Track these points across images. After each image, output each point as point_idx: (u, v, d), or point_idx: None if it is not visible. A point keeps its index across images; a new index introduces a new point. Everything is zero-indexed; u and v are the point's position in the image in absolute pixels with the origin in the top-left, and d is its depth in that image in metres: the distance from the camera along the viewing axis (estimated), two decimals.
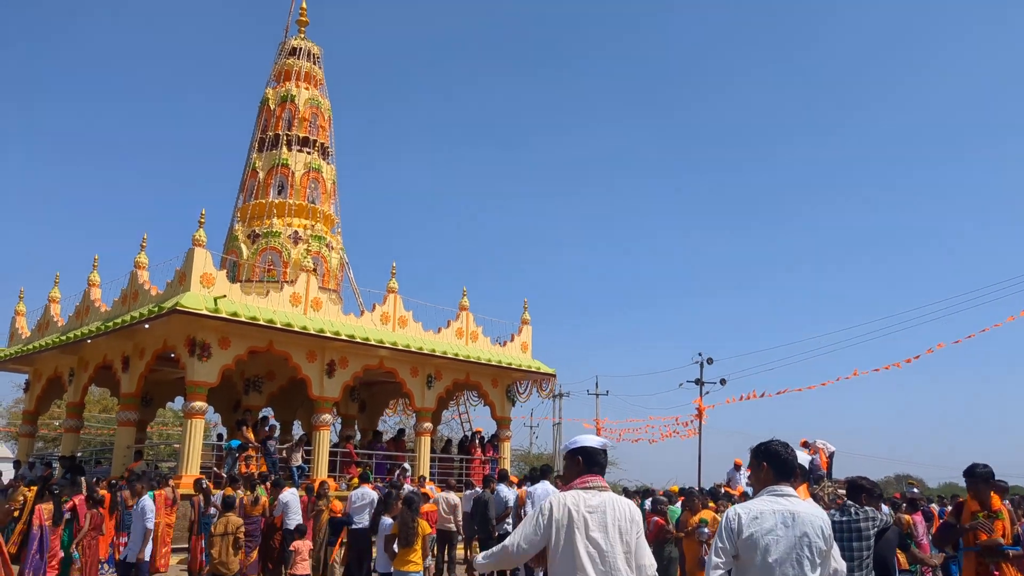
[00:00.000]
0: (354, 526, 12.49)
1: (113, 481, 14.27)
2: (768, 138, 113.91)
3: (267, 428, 17.53)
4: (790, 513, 3.45)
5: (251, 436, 16.54)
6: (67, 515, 12.16)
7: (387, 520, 9.74)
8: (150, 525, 10.91)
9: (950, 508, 7.64)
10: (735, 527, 3.49)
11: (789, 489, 3.60)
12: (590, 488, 3.79)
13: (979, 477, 6.53)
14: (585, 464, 3.89)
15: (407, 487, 13.49)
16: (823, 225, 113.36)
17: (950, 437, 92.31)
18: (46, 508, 11.98)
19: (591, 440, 3.99)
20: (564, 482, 4.08)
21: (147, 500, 11.10)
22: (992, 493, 6.64)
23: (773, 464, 3.67)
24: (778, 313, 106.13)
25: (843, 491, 7.67)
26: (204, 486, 13.16)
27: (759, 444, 3.76)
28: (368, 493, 12.81)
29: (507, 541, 3.84)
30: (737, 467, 18.39)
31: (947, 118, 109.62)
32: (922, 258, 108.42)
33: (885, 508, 7.48)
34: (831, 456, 19.10)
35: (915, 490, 16.25)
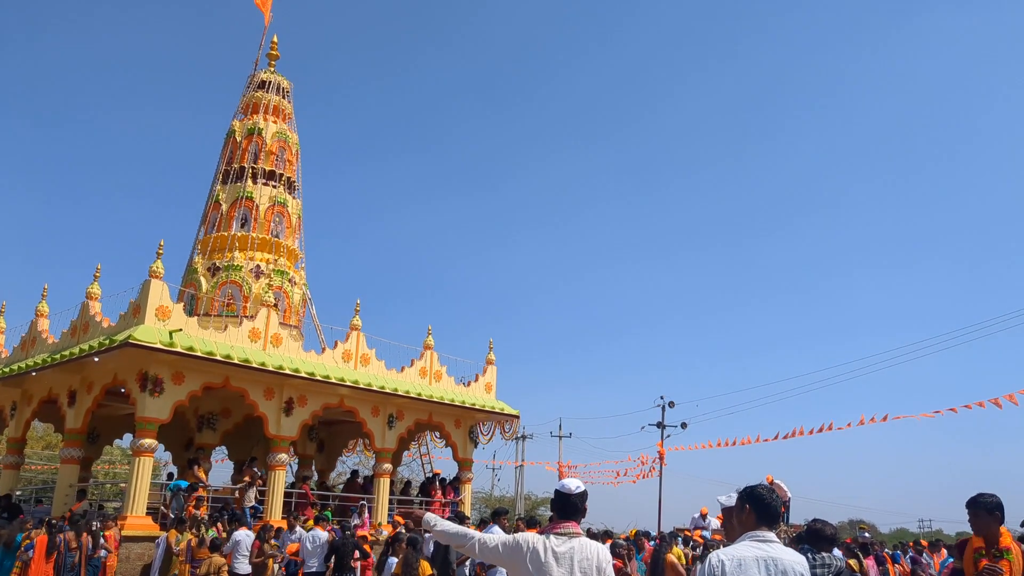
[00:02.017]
0: (307, 570, 12.03)
1: (53, 521, 13.58)
2: (736, 180, 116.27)
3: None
4: (772, 560, 3.37)
5: (203, 476, 15.98)
6: None
7: (392, 560, 10.13)
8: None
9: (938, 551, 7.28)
10: (718, 574, 3.36)
11: (771, 535, 3.52)
12: (561, 534, 3.92)
13: (984, 508, 5.50)
14: (558, 510, 4.02)
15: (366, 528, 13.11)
16: (788, 266, 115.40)
17: (902, 483, 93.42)
18: None
19: (568, 485, 4.05)
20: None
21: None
22: (1002, 528, 5.61)
23: (757, 508, 3.59)
24: (740, 357, 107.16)
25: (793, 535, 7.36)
26: (95, 528, 12.65)
27: (745, 487, 3.66)
28: (320, 535, 12.39)
29: (476, 533, 4.00)
30: (703, 516, 18.17)
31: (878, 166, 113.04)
32: (885, 302, 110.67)
33: (836, 552, 7.27)
34: (787, 502, 19.19)
35: (867, 535, 16.40)
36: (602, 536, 16.75)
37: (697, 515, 18.46)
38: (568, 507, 3.98)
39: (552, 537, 3.88)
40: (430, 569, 9.66)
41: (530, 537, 3.90)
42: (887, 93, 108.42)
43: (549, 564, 3.78)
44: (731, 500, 4.33)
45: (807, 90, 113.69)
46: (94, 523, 12.86)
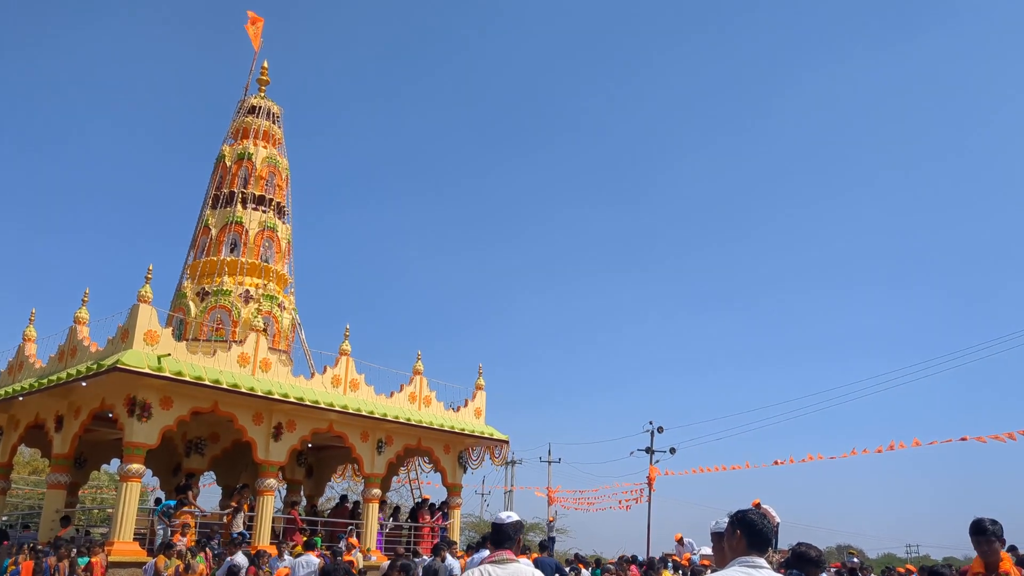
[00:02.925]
0: None
1: (39, 548, 13.50)
2: (727, 195, 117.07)
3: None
4: None
5: (194, 503, 16.06)
6: None
7: None
8: None
9: None
10: None
11: (762, 561, 3.51)
12: (497, 562, 4.30)
13: (989, 535, 5.46)
14: (494, 541, 4.45)
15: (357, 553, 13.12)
16: (779, 292, 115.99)
17: (890, 509, 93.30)
18: None
19: (501, 516, 4.52)
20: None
21: None
22: (1002, 553, 5.59)
23: (748, 534, 3.58)
24: (730, 383, 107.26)
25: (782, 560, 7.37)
26: (73, 554, 12.62)
27: (737, 512, 3.64)
28: (312, 561, 12.37)
29: None
30: (679, 541, 18.07)
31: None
32: (871, 328, 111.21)
33: None
34: (776, 527, 19.16)
35: (855, 559, 16.34)
36: (593, 563, 16.83)
37: (675, 544, 18.30)
38: (503, 536, 4.38)
39: (489, 566, 4.26)
40: None
41: (471, 572, 4.30)
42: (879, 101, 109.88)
43: None
44: (721, 526, 4.37)
45: (801, 97, 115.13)
46: (72, 549, 12.83)
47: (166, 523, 14.98)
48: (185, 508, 15.91)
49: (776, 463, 28.73)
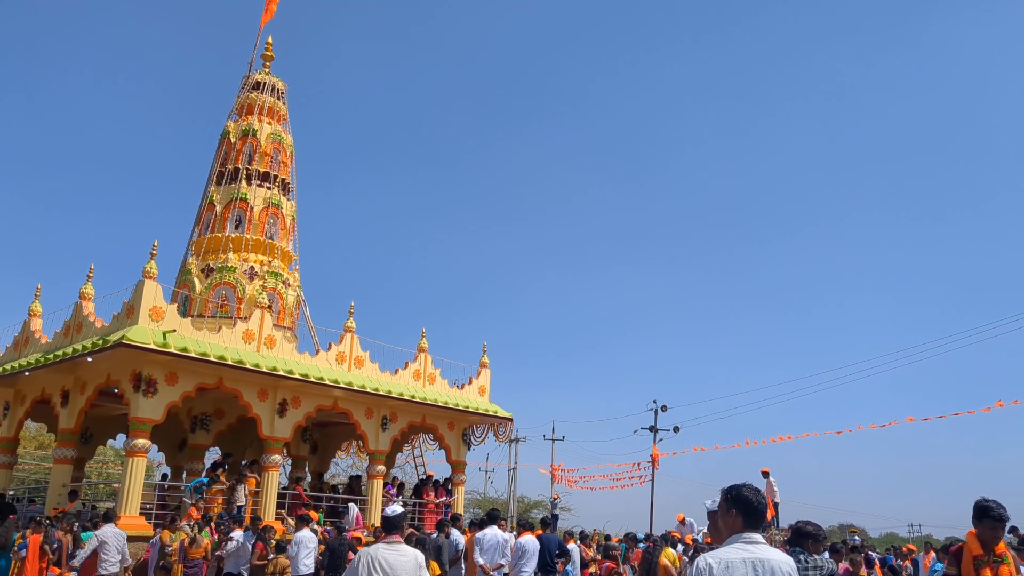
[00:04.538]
0: (304, 571, 12.07)
1: (45, 520, 13.60)
2: (733, 185, 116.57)
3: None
4: (760, 561, 3.36)
5: (225, 480, 16.33)
6: None
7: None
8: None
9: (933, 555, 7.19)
10: None
11: (758, 537, 3.51)
12: (389, 544, 5.64)
13: (995, 518, 5.55)
14: (385, 528, 5.78)
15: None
16: (781, 270, 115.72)
17: (892, 488, 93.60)
18: None
19: (388, 512, 5.81)
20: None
21: None
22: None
23: (743, 511, 3.56)
24: (734, 361, 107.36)
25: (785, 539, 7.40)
26: (75, 528, 12.71)
27: (731, 488, 3.62)
28: (309, 537, 12.47)
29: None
30: (681, 522, 18.15)
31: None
32: (878, 307, 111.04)
33: (825, 555, 7.31)
34: (777, 506, 19.27)
35: (856, 538, 16.41)
36: (597, 540, 16.98)
37: (677, 523, 18.37)
38: (391, 526, 5.74)
39: (382, 546, 5.63)
40: (439, 569, 10.16)
41: (362, 552, 5.68)
42: (887, 102, 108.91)
43: (380, 565, 5.48)
44: (715, 505, 4.37)
45: (808, 96, 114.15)
46: (75, 524, 12.93)
47: (198, 500, 15.25)
48: (217, 486, 16.11)
49: (775, 439, 28.78)
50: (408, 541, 11.18)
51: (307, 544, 12.25)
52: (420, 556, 5.68)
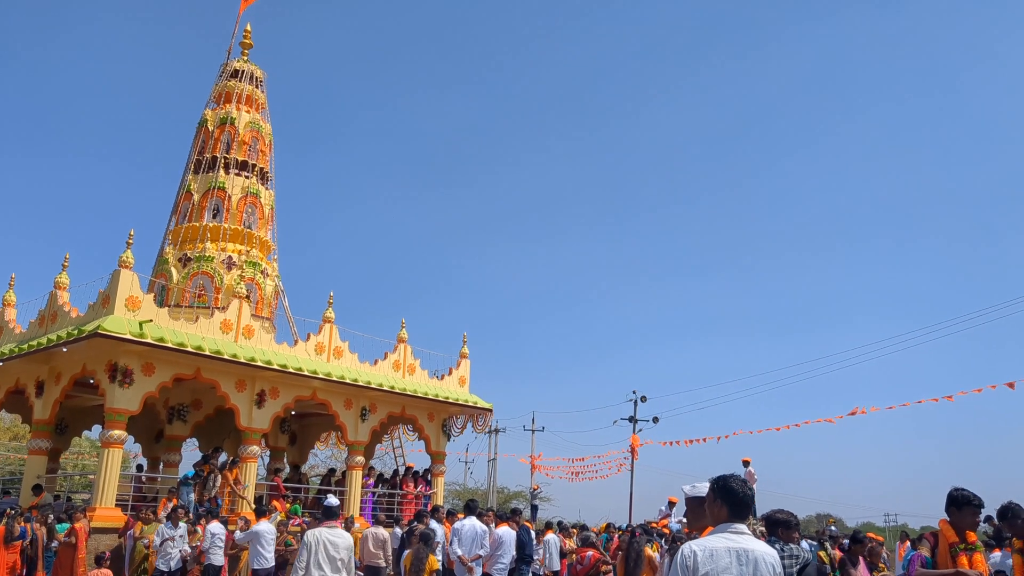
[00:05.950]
0: (259, 566, 12.09)
1: (14, 512, 13.46)
2: (711, 180, 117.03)
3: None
4: (744, 550, 3.42)
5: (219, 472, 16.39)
6: None
7: (406, 553, 11.30)
8: None
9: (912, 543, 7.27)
10: (690, 564, 3.41)
11: (743, 527, 3.57)
12: (330, 529, 7.48)
13: (976, 505, 5.79)
14: (325, 515, 7.74)
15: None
16: (764, 260, 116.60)
17: (868, 478, 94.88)
18: None
19: (329, 502, 7.82)
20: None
21: None
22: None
23: (729, 502, 3.62)
24: (713, 351, 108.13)
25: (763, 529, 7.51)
26: (50, 520, 12.63)
27: (718, 479, 3.68)
28: (268, 529, 12.47)
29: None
30: (671, 504, 18.33)
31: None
32: (863, 296, 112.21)
33: (805, 544, 7.43)
34: (752, 495, 19.49)
35: (833, 528, 16.63)
36: (580, 529, 17.10)
37: (665, 505, 18.58)
38: (331, 514, 7.68)
39: (324, 530, 7.42)
40: (436, 564, 10.70)
41: (310, 533, 7.44)
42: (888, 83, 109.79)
43: (323, 545, 7.27)
44: (695, 490, 4.41)
45: (800, 28, 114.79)
46: (49, 516, 12.82)
47: (177, 492, 15.23)
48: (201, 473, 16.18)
49: (736, 433, 29.13)
50: (412, 534, 11.62)
51: (265, 536, 12.18)
52: (350, 539, 7.55)
